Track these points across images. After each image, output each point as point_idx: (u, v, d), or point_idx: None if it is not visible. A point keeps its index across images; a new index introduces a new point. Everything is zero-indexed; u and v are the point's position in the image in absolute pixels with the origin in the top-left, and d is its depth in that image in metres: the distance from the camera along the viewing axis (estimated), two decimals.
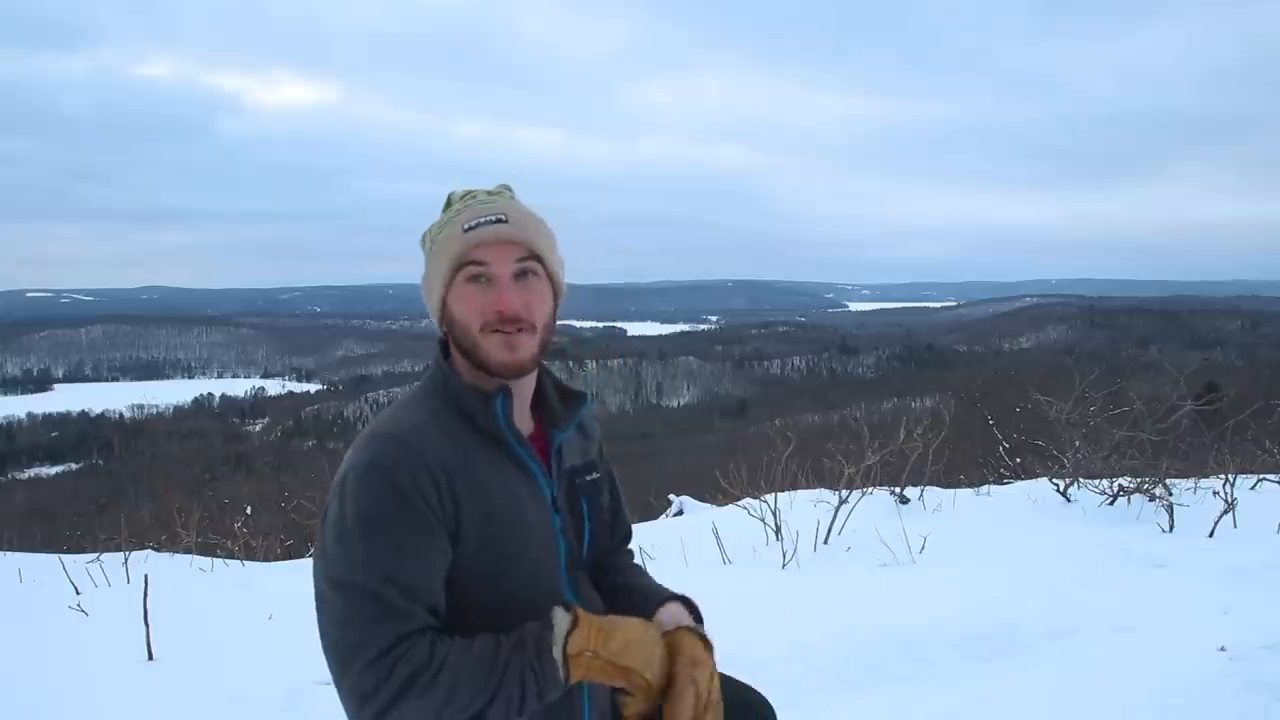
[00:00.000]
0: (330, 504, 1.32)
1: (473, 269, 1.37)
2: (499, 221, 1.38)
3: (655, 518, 9.86)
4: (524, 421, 1.48)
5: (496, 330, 1.37)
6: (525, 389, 1.48)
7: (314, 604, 1.32)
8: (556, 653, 1.27)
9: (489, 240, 1.37)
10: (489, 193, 1.44)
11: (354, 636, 1.24)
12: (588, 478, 1.55)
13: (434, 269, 1.42)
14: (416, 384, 1.48)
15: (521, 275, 1.40)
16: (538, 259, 1.41)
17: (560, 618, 1.30)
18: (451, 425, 1.38)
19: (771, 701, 1.70)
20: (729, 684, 1.68)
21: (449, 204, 1.45)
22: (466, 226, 1.38)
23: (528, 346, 1.39)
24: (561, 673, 1.27)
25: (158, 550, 8.13)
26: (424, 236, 1.46)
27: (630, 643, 1.32)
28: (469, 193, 1.44)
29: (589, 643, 1.29)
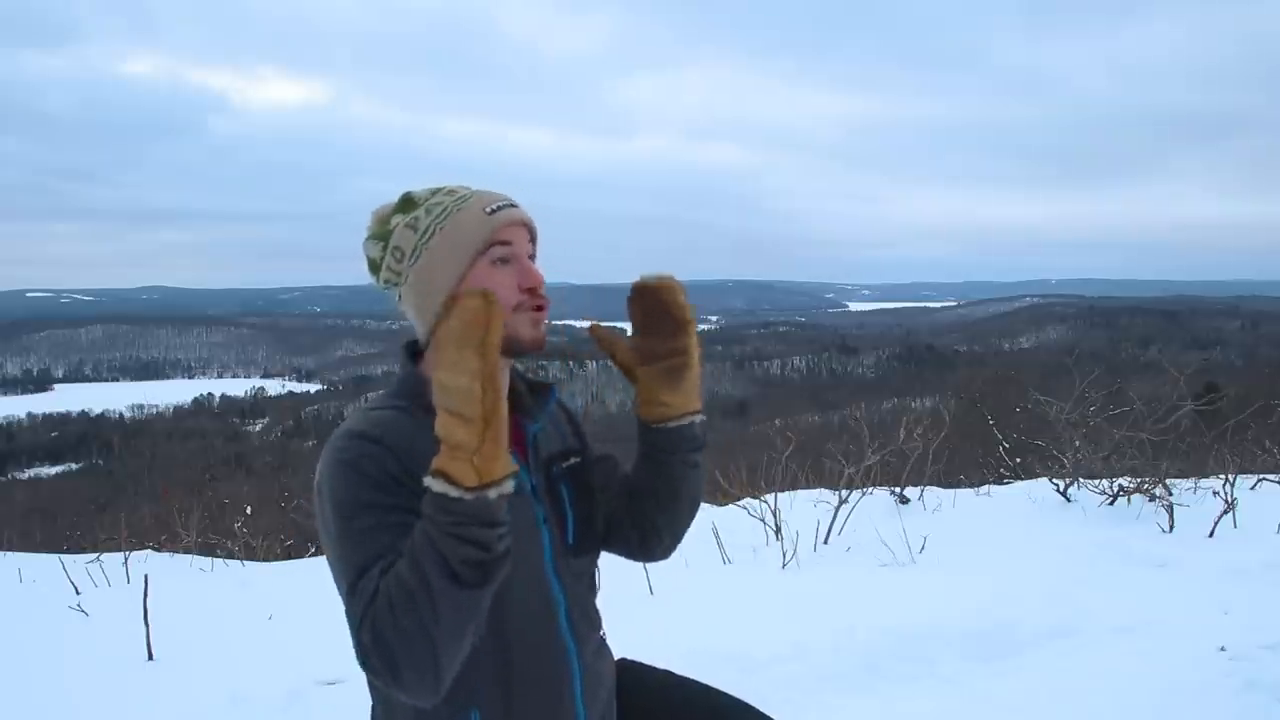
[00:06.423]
0: (314, 509, 1.37)
1: (500, 250, 1.39)
2: (514, 205, 1.42)
3: None
4: None
5: (524, 309, 1.39)
6: None
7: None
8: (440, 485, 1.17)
9: (512, 222, 1.40)
10: (453, 188, 1.45)
11: (345, 574, 1.26)
12: (565, 464, 1.54)
13: (447, 255, 1.38)
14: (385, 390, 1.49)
15: (532, 258, 1.44)
16: (535, 243, 1.46)
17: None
18: (417, 419, 1.37)
19: (771, 701, 1.70)
20: (713, 695, 1.65)
21: (411, 203, 1.42)
22: (490, 209, 1.39)
23: (545, 325, 1.43)
24: (468, 480, 1.16)
25: (158, 550, 8.14)
26: (402, 231, 1.40)
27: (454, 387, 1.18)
28: (438, 189, 1.44)
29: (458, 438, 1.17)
